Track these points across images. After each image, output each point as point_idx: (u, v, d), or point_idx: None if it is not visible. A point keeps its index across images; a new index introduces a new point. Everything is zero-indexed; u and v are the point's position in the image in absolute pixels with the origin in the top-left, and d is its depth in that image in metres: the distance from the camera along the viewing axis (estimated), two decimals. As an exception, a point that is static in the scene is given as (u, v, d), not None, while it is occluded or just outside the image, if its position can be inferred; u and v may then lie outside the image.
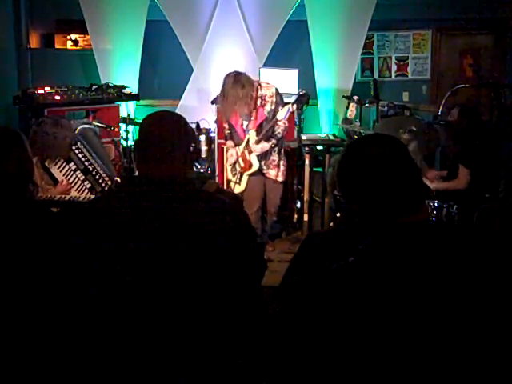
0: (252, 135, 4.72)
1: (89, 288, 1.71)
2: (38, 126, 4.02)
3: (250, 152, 4.74)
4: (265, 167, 4.81)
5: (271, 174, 4.83)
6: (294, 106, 4.78)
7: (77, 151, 4.08)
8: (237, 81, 4.46)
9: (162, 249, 1.67)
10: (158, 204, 1.71)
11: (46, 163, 4.00)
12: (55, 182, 4.03)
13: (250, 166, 4.79)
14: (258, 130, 4.71)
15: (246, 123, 4.74)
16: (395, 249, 1.34)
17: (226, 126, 4.91)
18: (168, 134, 1.78)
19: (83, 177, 4.07)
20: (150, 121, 1.85)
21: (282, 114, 4.62)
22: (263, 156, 4.79)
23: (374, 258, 1.33)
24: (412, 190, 1.41)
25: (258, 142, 4.70)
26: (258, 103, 4.64)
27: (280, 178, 4.88)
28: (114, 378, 1.69)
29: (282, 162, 4.88)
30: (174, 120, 1.84)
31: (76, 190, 4.04)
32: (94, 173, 4.09)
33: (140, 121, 1.92)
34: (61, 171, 4.04)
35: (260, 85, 4.68)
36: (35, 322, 1.82)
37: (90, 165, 4.11)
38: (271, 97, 4.65)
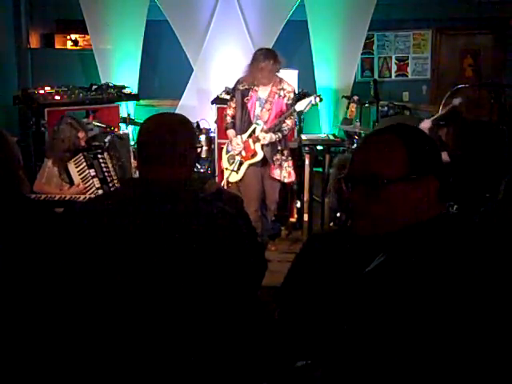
0: (260, 125, 4.74)
1: (78, 290, 1.69)
2: (56, 131, 4.15)
3: (255, 141, 4.75)
4: (274, 163, 4.82)
5: (275, 173, 4.82)
6: (318, 99, 4.84)
7: (101, 160, 4.13)
8: (270, 54, 4.65)
9: (158, 250, 1.66)
10: (156, 206, 1.70)
11: (68, 164, 4.09)
12: (71, 182, 4.09)
13: (254, 155, 4.78)
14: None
15: (259, 110, 4.76)
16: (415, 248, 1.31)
17: (231, 111, 4.88)
18: (168, 136, 1.75)
19: (99, 185, 4.11)
20: (151, 123, 1.82)
21: (303, 105, 4.69)
22: (272, 152, 4.79)
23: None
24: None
25: (266, 132, 4.72)
26: (281, 94, 4.75)
27: (286, 180, 4.89)
28: (113, 379, 1.69)
29: (286, 164, 4.86)
30: (175, 122, 1.82)
31: (89, 195, 4.07)
32: (110, 184, 4.14)
33: (140, 121, 1.91)
34: (79, 174, 4.07)
35: (282, 79, 4.82)
36: (25, 321, 1.81)
37: (110, 176, 4.15)
38: (289, 92, 4.79)
